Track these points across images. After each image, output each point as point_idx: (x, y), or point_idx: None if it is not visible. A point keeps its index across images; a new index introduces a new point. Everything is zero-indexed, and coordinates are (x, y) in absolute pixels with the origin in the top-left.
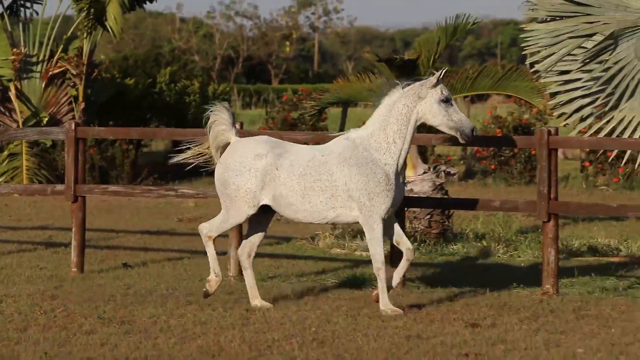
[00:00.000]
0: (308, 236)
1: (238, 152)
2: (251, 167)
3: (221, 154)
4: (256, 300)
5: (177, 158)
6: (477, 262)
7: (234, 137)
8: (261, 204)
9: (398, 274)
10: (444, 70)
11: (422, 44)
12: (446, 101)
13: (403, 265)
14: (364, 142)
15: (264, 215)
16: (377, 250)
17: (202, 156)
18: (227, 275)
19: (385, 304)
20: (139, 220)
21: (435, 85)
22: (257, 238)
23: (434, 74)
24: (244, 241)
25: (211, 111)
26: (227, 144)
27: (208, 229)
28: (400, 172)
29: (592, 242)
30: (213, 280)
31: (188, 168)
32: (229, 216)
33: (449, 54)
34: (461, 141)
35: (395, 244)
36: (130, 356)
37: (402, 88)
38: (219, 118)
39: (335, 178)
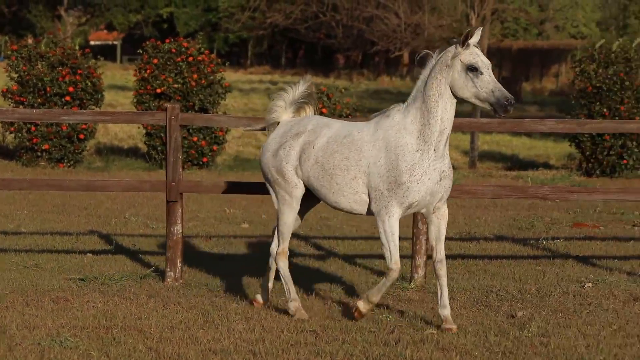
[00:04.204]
0: None
1: (278, 131)
2: (289, 145)
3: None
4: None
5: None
6: None
7: (284, 117)
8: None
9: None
10: (469, 31)
11: None
12: (473, 69)
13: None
14: (401, 121)
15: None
16: (387, 247)
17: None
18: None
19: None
20: None
21: (462, 49)
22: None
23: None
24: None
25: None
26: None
27: (279, 245)
28: (438, 160)
29: None
30: (295, 305)
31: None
32: (284, 210)
33: None
34: (497, 115)
35: (430, 246)
36: None
37: (435, 58)
38: (282, 95)
39: (361, 157)
